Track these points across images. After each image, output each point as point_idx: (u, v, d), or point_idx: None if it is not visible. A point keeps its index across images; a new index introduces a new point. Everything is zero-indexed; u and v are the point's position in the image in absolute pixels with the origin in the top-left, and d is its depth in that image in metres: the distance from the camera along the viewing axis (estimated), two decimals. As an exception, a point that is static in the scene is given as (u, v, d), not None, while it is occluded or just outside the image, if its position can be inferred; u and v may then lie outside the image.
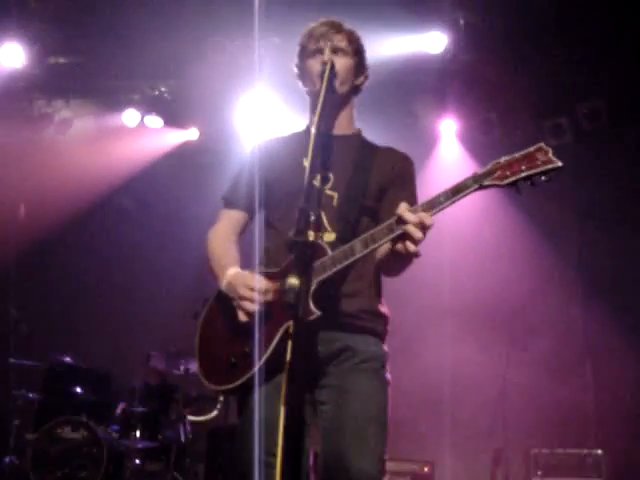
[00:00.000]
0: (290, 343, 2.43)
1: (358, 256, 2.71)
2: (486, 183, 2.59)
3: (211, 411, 7.03)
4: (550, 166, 2.55)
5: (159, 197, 9.65)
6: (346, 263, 2.72)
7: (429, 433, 8.43)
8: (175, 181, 9.44)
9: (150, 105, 9.24)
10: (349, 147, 3.11)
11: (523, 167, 2.56)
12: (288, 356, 2.40)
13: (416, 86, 8.60)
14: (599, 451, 7.45)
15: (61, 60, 8.93)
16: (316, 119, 2.78)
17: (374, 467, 2.78)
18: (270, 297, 2.79)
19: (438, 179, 8.21)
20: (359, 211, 2.96)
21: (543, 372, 8.00)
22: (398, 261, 2.81)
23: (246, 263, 3.02)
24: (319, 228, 2.86)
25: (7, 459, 7.30)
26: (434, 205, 2.61)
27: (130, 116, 9.30)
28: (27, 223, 9.21)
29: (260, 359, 2.75)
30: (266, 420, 2.76)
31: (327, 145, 2.99)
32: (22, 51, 8.44)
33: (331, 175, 3.00)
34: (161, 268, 9.20)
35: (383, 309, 3.04)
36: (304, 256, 2.49)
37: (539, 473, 7.45)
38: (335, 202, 2.97)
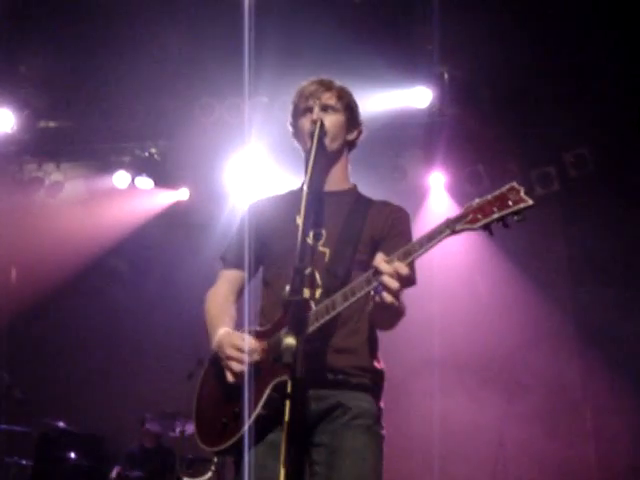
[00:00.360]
0: (288, 403, 2.37)
1: (339, 309, 2.69)
2: (458, 227, 2.57)
3: (205, 473, 6.90)
4: (522, 205, 2.50)
5: (151, 258, 9.63)
6: (328, 317, 2.70)
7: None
8: (166, 241, 9.40)
9: (140, 166, 9.22)
10: (342, 203, 3.10)
11: (495, 209, 2.52)
12: (286, 416, 2.35)
13: (404, 141, 8.69)
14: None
15: (51, 124, 9.03)
16: (307, 177, 2.79)
17: None
18: (257, 357, 2.77)
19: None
20: (349, 266, 2.93)
21: (541, 424, 7.91)
22: (383, 314, 2.79)
23: (242, 322, 3.00)
24: (313, 285, 2.86)
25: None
26: (409, 254, 2.60)
27: (120, 178, 9.23)
28: (19, 287, 9.17)
29: (249, 418, 2.72)
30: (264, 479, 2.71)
31: (320, 202, 3.00)
32: (12, 116, 8.54)
33: (323, 232, 2.99)
34: (155, 328, 9.11)
35: (378, 365, 3.00)
36: (299, 314, 2.48)
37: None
38: (327, 258, 2.95)
